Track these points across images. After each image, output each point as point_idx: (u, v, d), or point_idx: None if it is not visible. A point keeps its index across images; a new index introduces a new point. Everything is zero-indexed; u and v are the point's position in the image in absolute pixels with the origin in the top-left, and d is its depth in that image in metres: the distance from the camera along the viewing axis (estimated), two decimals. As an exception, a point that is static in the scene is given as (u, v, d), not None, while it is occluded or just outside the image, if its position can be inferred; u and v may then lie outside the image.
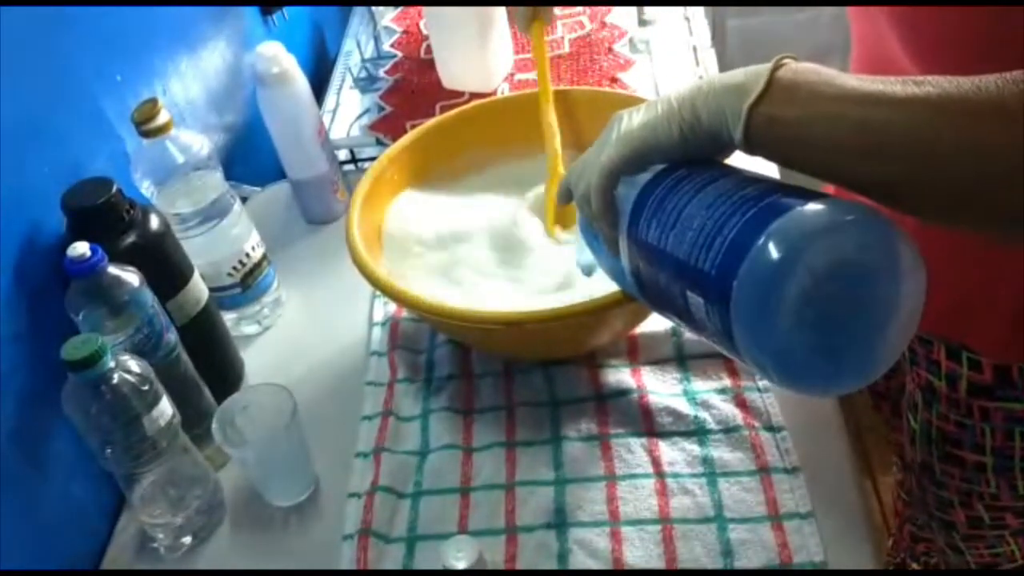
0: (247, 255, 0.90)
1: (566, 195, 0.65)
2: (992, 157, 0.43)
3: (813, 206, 0.47)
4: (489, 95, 1.17)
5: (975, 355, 0.70)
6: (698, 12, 1.32)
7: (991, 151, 0.43)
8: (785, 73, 0.50)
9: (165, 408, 0.69)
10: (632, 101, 0.94)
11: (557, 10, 1.05)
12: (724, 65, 1.23)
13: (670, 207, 0.53)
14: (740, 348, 0.49)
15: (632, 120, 0.56)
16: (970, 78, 0.44)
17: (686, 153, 0.54)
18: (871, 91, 0.47)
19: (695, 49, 1.24)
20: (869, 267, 0.48)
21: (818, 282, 0.46)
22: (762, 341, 0.48)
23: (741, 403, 0.78)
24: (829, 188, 0.60)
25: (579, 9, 1.30)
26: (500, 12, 1.16)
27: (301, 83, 0.96)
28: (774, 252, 0.46)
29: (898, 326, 0.50)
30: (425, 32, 1.31)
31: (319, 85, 1.28)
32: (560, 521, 0.72)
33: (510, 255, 0.86)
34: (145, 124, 0.79)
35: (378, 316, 0.93)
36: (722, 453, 0.75)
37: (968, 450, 0.74)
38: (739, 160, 0.56)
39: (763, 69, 0.51)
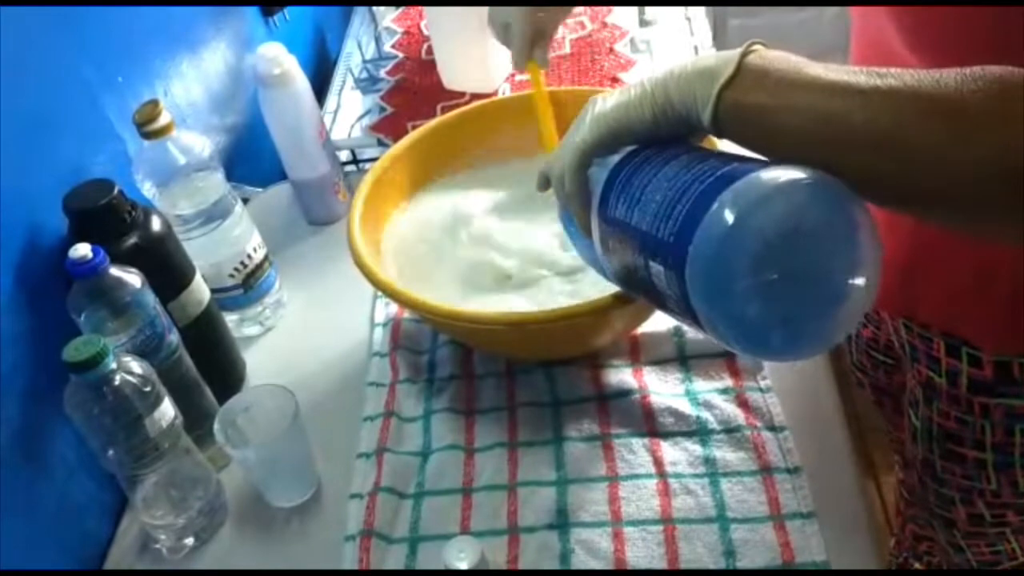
0: (249, 256, 0.90)
1: (544, 182, 0.67)
2: (947, 153, 0.44)
3: (767, 171, 0.48)
4: (490, 96, 1.17)
5: (975, 351, 0.70)
6: (699, 12, 1.32)
7: (946, 148, 0.44)
8: (754, 59, 0.51)
9: (167, 409, 0.69)
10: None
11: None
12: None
13: (636, 183, 0.55)
14: (698, 314, 0.50)
15: (606, 103, 0.57)
16: (932, 72, 0.45)
17: (658, 135, 0.56)
18: (835, 81, 0.47)
19: (696, 49, 1.24)
20: (821, 229, 0.48)
21: (769, 244, 0.47)
22: (717, 304, 0.48)
23: (743, 403, 0.78)
24: None
25: (580, 9, 1.30)
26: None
27: (302, 84, 0.96)
28: (726, 214, 0.47)
29: (855, 292, 0.50)
30: (426, 33, 1.31)
31: (320, 86, 1.29)
32: (562, 521, 0.72)
33: (509, 250, 0.86)
34: (146, 125, 0.79)
35: (379, 317, 0.93)
36: (724, 453, 0.75)
37: (969, 447, 0.74)
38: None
39: (733, 54, 0.51)
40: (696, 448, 0.75)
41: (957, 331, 0.71)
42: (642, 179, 0.54)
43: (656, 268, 0.52)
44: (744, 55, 0.51)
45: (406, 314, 0.92)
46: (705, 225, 0.47)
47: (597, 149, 0.57)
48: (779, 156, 0.51)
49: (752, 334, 0.49)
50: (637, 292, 0.59)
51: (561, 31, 1.27)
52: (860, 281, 0.50)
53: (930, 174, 0.45)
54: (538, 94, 0.88)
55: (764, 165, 0.49)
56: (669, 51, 1.25)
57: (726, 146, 0.55)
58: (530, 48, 0.85)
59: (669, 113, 0.54)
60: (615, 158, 0.58)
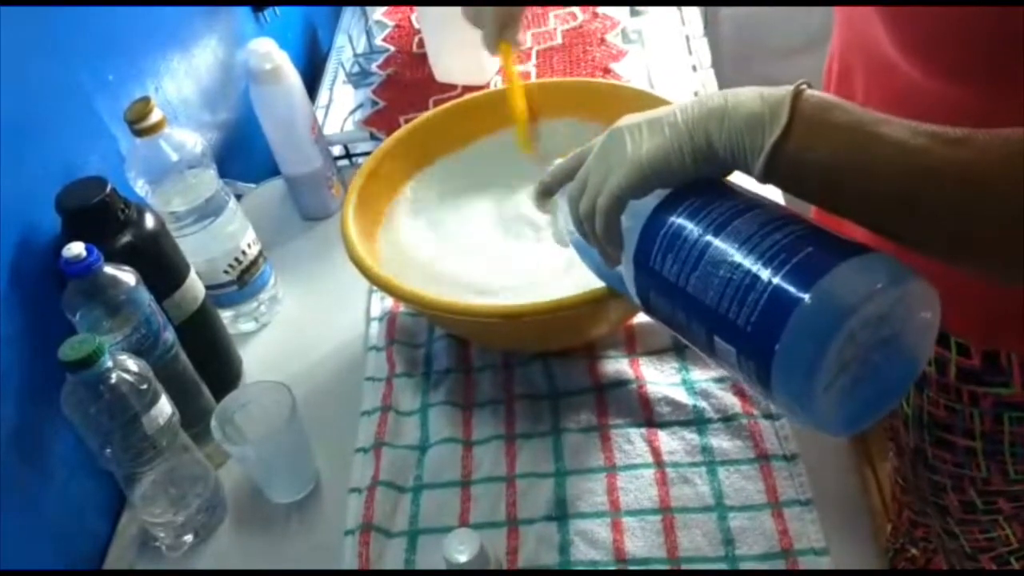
0: (243, 252, 0.90)
1: (547, 192, 0.66)
2: None
3: (850, 269, 0.48)
4: (482, 88, 1.17)
5: (963, 341, 0.70)
6: (690, 1, 1.32)
7: None
8: (807, 108, 0.49)
9: (164, 407, 0.69)
10: (626, 91, 0.94)
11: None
12: (717, 53, 1.23)
13: (688, 245, 0.53)
14: (776, 400, 0.51)
15: (638, 143, 0.54)
16: (1005, 141, 0.44)
17: (696, 177, 0.54)
18: (906, 144, 0.46)
19: (688, 38, 1.24)
20: (904, 322, 0.49)
21: (860, 347, 0.47)
22: (803, 399, 0.48)
23: (739, 392, 0.78)
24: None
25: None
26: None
27: (294, 79, 0.96)
28: (817, 321, 0.47)
29: (918, 370, 0.53)
30: (417, 26, 1.31)
31: (312, 81, 1.28)
32: (561, 513, 0.72)
33: (506, 245, 0.86)
34: (138, 123, 0.79)
35: (375, 311, 0.93)
36: (721, 442, 0.75)
37: (959, 435, 0.74)
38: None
39: (783, 99, 0.49)
40: (693, 437, 0.75)
41: (945, 324, 0.71)
42: (693, 240, 0.53)
43: (724, 346, 0.52)
44: (794, 100, 0.49)
45: (402, 308, 0.92)
46: (795, 329, 0.47)
47: (633, 195, 0.55)
48: (834, 211, 0.51)
49: (828, 420, 0.50)
50: (676, 333, 0.58)
51: (552, 22, 1.27)
52: (927, 355, 0.52)
53: (1003, 243, 0.46)
54: (509, 75, 0.89)
55: (837, 251, 0.49)
56: (660, 41, 1.25)
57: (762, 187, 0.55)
58: (502, 29, 0.86)
59: (712, 160, 0.52)
60: (651, 202, 0.56)
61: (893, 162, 0.47)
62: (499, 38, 0.86)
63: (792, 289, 0.48)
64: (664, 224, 0.55)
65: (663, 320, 0.59)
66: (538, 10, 1.29)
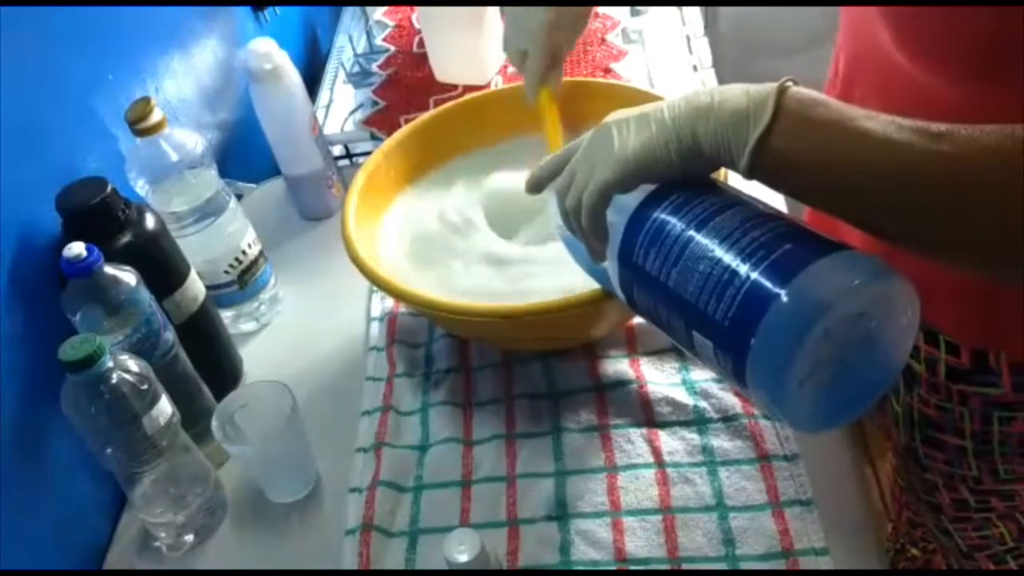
0: (243, 252, 0.90)
1: (537, 187, 0.66)
2: (1011, 217, 0.44)
3: (827, 266, 0.48)
4: (483, 88, 1.17)
5: (952, 340, 0.70)
6: (690, 1, 1.32)
7: (1009, 213, 0.44)
8: (792, 103, 0.49)
9: (164, 407, 0.69)
10: (625, 90, 0.94)
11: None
12: (717, 53, 1.24)
13: (670, 241, 0.53)
14: (752, 395, 0.51)
15: (625, 139, 0.55)
16: (988, 136, 0.44)
17: (683, 175, 0.54)
18: (888, 139, 0.46)
19: (688, 38, 1.24)
20: (881, 320, 0.49)
21: (836, 344, 0.47)
22: (777, 394, 0.49)
23: (740, 392, 0.78)
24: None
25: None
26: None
27: (294, 79, 0.96)
28: (793, 317, 0.47)
29: (900, 366, 0.53)
30: (417, 26, 1.31)
31: (312, 80, 1.28)
32: (561, 512, 0.72)
33: (507, 243, 0.86)
34: (138, 123, 0.79)
35: (376, 311, 0.93)
36: (722, 442, 0.75)
37: (948, 434, 0.74)
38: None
39: (767, 95, 0.50)
40: (694, 437, 0.75)
41: (935, 323, 0.71)
42: (677, 236, 0.53)
43: (702, 340, 0.52)
44: (779, 94, 0.49)
45: (402, 308, 0.92)
46: (771, 324, 0.47)
47: (619, 190, 0.55)
48: (819, 207, 0.51)
49: (803, 416, 0.50)
50: (661, 329, 0.59)
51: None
52: (905, 356, 0.52)
53: (988, 238, 0.46)
54: (551, 120, 0.87)
55: (815, 248, 0.49)
56: (661, 41, 1.25)
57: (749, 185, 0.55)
58: (545, 75, 0.85)
59: (697, 158, 0.52)
60: (635, 197, 0.56)
61: (876, 158, 0.47)
62: (543, 83, 0.86)
63: (769, 285, 0.48)
64: (648, 220, 0.55)
65: (646, 315, 0.59)
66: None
